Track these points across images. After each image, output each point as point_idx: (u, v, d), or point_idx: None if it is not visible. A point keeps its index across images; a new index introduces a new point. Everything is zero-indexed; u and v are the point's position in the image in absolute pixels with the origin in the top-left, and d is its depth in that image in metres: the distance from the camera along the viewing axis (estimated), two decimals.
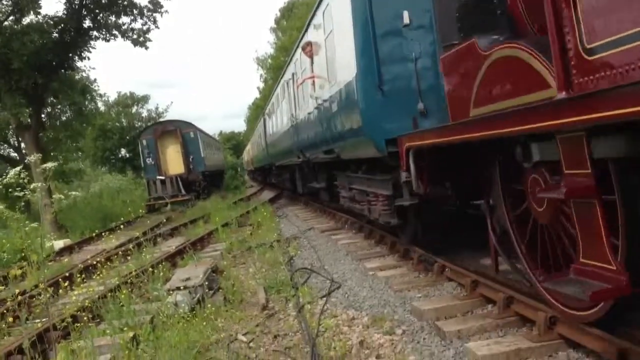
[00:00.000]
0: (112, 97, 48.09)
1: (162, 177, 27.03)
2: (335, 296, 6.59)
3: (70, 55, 20.55)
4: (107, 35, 20.84)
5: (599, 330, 3.62)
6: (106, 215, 20.65)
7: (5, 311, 6.58)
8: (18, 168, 8.20)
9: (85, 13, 19.99)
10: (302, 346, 5.07)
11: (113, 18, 20.70)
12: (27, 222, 8.61)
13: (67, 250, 14.08)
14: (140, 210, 15.30)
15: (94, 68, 45.41)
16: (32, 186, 6.11)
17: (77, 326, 5.25)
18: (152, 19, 21.06)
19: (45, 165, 5.92)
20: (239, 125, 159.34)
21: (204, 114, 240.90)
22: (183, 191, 26.61)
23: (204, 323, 5.64)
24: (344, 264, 8.23)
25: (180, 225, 15.95)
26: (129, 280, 7.43)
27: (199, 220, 16.28)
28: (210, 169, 32.42)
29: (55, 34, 19.46)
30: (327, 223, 13.40)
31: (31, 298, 6.06)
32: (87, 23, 20.35)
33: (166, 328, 5.60)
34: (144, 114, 49.52)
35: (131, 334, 5.44)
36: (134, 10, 20.64)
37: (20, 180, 7.57)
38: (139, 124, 46.49)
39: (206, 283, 6.88)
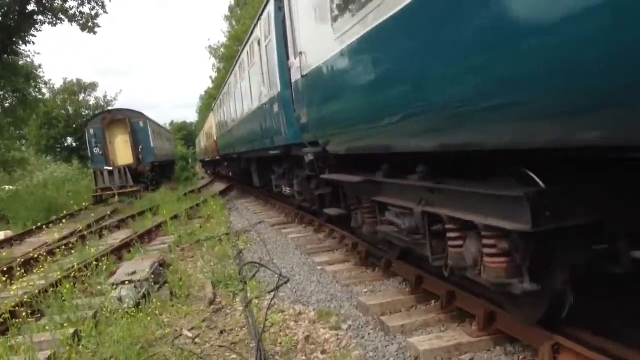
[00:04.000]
0: (58, 83, 46.74)
1: (110, 168, 26.41)
2: (283, 291, 6.61)
3: (14, 39, 19.84)
4: (54, 19, 20.24)
5: (535, 326, 3.75)
6: (51, 206, 20.04)
7: None
8: None
9: None
10: (248, 341, 5.07)
11: (59, 2, 20.10)
12: None
13: (8, 242, 13.62)
14: (85, 202, 14.91)
15: (39, 53, 43.90)
16: None
17: (16, 322, 5.09)
18: (100, 4, 20.56)
19: None
20: (190, 116, 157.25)
21: (154, 103, 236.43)
22: (131, 182, 26.08)
23: (149, 318, 5.56)
24: (293, 258, 8.25)
25: (127, 218, 15.62)
26: (72, 274, 7.24)
27: (148, 212, 16.00)
28: (161, 159, 31.87)
29: None
30: (278, 217, 13.39)
31: None
32: (31, 6, 19.70)
33: (110, 323, 5.51)
34: (92, 102, 48.38)
35: (72, 330, 5.32)
36: None
37: None
38: (86, 112, 45.37)
39: (152, 277, 6.78)
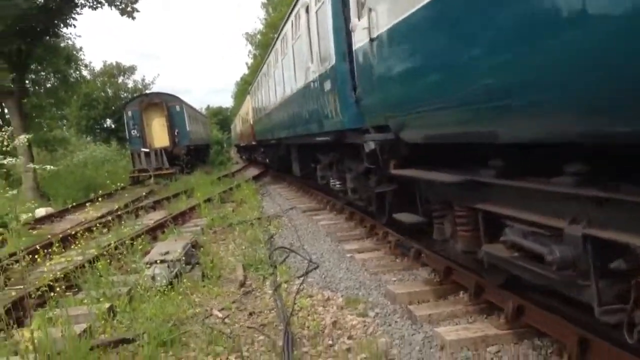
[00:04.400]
0: (98, 66, 47.58)
1: (147, 150, 26.89)
2: (312, 276, 6.69)
3: (56, 22, 20.24)
4: (94, 3, 20.56)
5: (563, 320, 3.74)
6: (89, 185, 20.53)
7: None
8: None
9: None
10: (276, 324, 5.15)
11: None
12: (7, 188, 8.59)
13: (48, 218, 14.03)
14: (122, 183, 15.24)
15: (79, 36, 44.83)
16: (14, 160, 6.08)
17: (53, 295, 5.28)
18: None
19: (20, 137, 5.91)
20: (226, 101, 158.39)
21: (191, 87, 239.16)
22: (167, 164, 26.51)
23: (180, 297, 5.70)
24: (323, 245, 8.32)
25: (162, 199, 15.93)
26: (108, 252, 7.44)
27: (182, 194, 16.27)
28: (196, 143, 32.29)
29: (40, 0, 19.15)
30: (309, 203, 13.48)
31: (9, 265, 6.07)
32: None
33: (143, 300, 5.66)
34: (130, 84, 49.14)
35: (108, 305, 5.50)
36: None
37: (3, 148, 7.54)
38: (125, 94, 46.09)
39: (184, 258, 6.93)
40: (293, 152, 15.31)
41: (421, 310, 4.92)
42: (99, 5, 20.60)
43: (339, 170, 9.67)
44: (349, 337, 4.66)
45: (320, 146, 10.75)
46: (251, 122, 27.69)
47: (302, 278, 6.57)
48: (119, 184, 12.02)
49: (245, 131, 32.42)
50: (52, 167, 8.40)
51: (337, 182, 9.82)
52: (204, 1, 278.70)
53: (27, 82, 22.95)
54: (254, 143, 28.23)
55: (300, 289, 6.13)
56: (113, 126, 45.40)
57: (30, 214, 12.72)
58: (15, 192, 11.11)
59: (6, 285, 5.63)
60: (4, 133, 7.66)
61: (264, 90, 20.11)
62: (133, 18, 21.07)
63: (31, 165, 5.89)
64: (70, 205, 13.66)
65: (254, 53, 60.81)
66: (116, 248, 7.52)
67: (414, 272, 6.28)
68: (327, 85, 8.28)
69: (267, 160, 25.86)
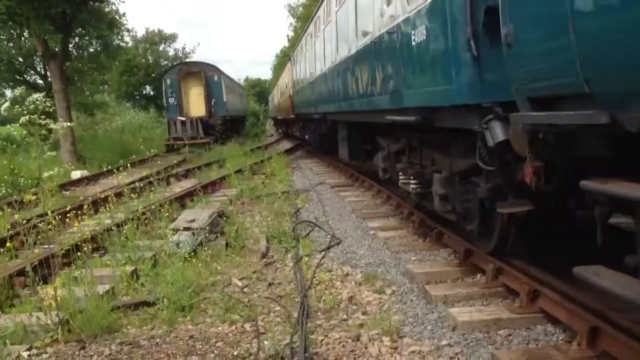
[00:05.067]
0: (140, 33, 48.02)
1: (183, 118, 27.21)
2: (333, 251, 6.73)
3: None
4: None
5: (574, 306, 3.72)
6: (125, 150, 20.96)
7: (14, 235, 6.85)
8: (39, 95, 8.36)
9: None
10: (294, 296, 5.23)
11: None
12: (45, 149, 8.82)
13: (83, 181, 14.39)
14: (153, 150, 15.51)
15: (123, 1, 45.34)
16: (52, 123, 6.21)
17: (80, 255, 5.45)
18: None
19: (57, 124, 6.07)
20: (265, 73, 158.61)
21: (231, 57, 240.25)
22: (202, 134, 26.80)
23: (200, 265, 5.81)
24: (348, 221, 8.35)
25: (194, 168, 16.16)
26: (135, 217, 7.61)
27: (214, 164, 16.46)
28: (232, 114, 32.50)
29: None
30: (339, 179, 13.49)
31: (39, 224, 6.28)
32: None
33: (166, 266, 5.80)
34: (171, 52, 49.47)
35: (132, 268, 5.65)
36: None
37: (45, 108, 7.74)
38: (165, 62, 46.48)
39: (209, 226, 7.04)
40: (341, 131, 12.01)
41: (437, 290, 4.93)
42: None
43: (416, 165, 7.05)
44: (364, 313, 4.70)
45: (384, 126, 8.02)
46: (290, 94, 24.92)
47: (323, 252, 6.63)
48: (152, 150, 12.21)
49: (284, 103, 30.02)
50: (68, 124, 8.54)
51: (413, 182, 6.88)
52: None
53: (70, 46, 23.33)
54: (292, 116, 25.76)
55: (321, 264, 6.19)
56: (152, 93, 45.93)
57: (58, 176, 13.02)
58: (53, 153, 11.40)
59: (35, 244, 5.81)
60: (43, 97, 7.87)
61: (308, 55, 16.82)
62: None
63: (56, 125, 5.96)
64: (105, 170, 13.96)
65: (295, 25, 60.62)
66: (143, 214, 7.68)
67: (434, 252, 6.26)
68: (420, 34, 5.32)
69: (306, 137, 23.06)
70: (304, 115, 19.94)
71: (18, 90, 27.31)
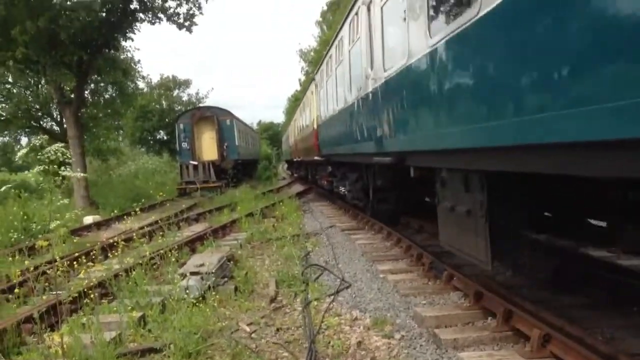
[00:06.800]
0: (155, 78, 48.95)
1: (195, 162, 27.47)
2: (343, 295, 6.67)
3: (116, 35, 21.01)
4: (153, 17, 21.25)
5: (586, 350, 3.64)
6: (138, 195, 21.09)
7: (23, 281, 6.87)
8: (59, 145, 8.51)
9: None
10: (302, 341, 5.17)
11: (160, 1, 21.09)
12: (59, 197, 8.93)
13: (95, 226, 14.47)
14: (162, 194, 15.60)
15: (138, 49, 46.48)
16: (67, 172, 6.33)
17: (87, 302, 5.44)
18: (197, 4, 21.38)
19: (75, 174, 6.20)
20: (278, 116, 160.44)
21: (244, 102, 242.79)
22: (214, 177, 27.00)
23: (207, 310, 5.78)
24: (358, 264, 8.30)
25: (206, 212, 16.20)
26: (145, 262, 7.62)
27: (225, 208, 16.49)
28: (244, 157, 32.77)
29: (102, 13, 19.92)
30: (349, 222, 13.45)
31: (48, 271, 6.31)
32: (134, 4, 20.78)
33: (174, 311, 5.76)
34: (185, 97, 50.25)
35: (140, 314, 5.63)
36: None
37: (61, 158, 7.90)
38: (179, 107, 47.16)
39: (219, 271, 7.03)
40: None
41: (447, 334, 4.85)
42: (157, 20, 21.29)
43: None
44: (372, 359, 4.63)
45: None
46: (315, 127, 18.37)
47: (332, 296, 6.57)
48: (161, 194, 12.29)
49: (303, 140, 24.20)
50: (82, 174, 8.75)
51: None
52: (261, 19, 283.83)
53: (85, 92, 23.85)
54: (317, 158, 18.33)
55: (330, 308, 6.13)
56: (165, 138, 46.48)
57: (69, 222, 13.11)
58: (66, 201, 11.53)
59: (44, 291, 5.82)
60: (61, 147, 8.05)
61: (340, 70, 12.19)
62: (190, 32, 21.67)
63: (68, 173, 6.11)
64: (116, 215, 14.05)
65: (306, 70, 61.67)
66: (152, 258, 7.69)
67: (444, 295, 6.19)
68: None
69: (343, 191, 14.67)
70: (338, 157, 13.88)
71: (34, 139, 27.82)
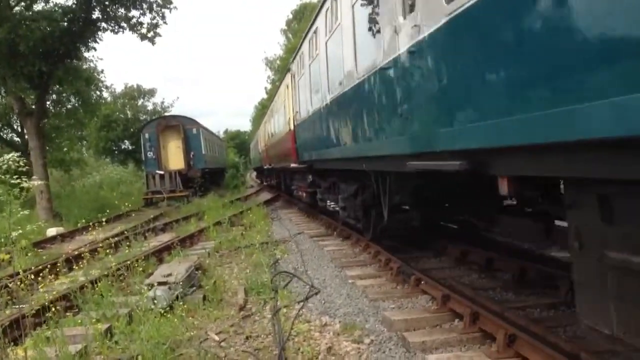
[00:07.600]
0: (119, 88, 48.36)
1: (162, 172, 27.18)
2: (312, 301, 6.68)
3: (78, 45, 20.68)
4: (116, 27, 20.98)
5: (551, 349, 3.72)
6: (103, 205, 20.73)
7: None
8: (15, 154, 8.32)
9: (95, 4, 20.11)
10: (272, 348, 5.16)
11: (123, 11, 20.84)
12: (19, 208, 8.71)
13: (59, 238, 14.18)
14: (128, 204, 15.37)
15: (101, 59, 45.95)
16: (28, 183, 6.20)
17: (52, 315, 5.33)
18: (160, 14, 21.17)
19: (31, 182, 6.08)
20: (245, 124, 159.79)
21: (210, 110, 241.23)
22: (181, 187, 26.74)
23: (176, 320, 5.72)
24: (327, 270, 8.32)
25: (173, 221, 16.03)
26: (111, 273, 7.51)
27: (193, 217, 16.36)
28: (211, 166, 32.54)
29: (63, 23, 19.60)
30: (318, 229, 13.47)
31: (10, 285, 6.16)
32: (96, 14, 20.50)
33: (142, 322, 5.69)
34: (150, 107, 49.75)
35: (106, 326, 5.54)
36: (144, 4, 20.75)
37: (19, 168, 7.70)
38: (144, 117, 46.65)
39: (186, 280, 6.97)
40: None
41: (416, 337, 4.90)
42: (120, 29, 21.03)
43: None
44: None
45: None
46: (291, 127, 15.45)
47: (302, 303, 6.57)
48: (127, 204, 12.12)
49: (274, 146, 21.59)
50: (44, 182, 8.57)
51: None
52: (227, 27, 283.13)
53: (47, 103, 23.39)
54: (294, 166, 15.31)
55: (299, 314, 6.13)
56: (131, 147, 45.91)
57: (31, 234, 12.81)
58: (26, 212, 11.25)
59: (7, 305, 5.69)
60: (16, 156, 7.86)
61: (335, 39, 8.72)
62: (153, 43, 21.45)
63: (28, 183, 5.98)
64: (80, 226, 13.80)
65: (272, 78, 61.71)
66: (119, 269, 7.58)
67: (413, 299, 6.25)
68: None
69: (333, 206, 13.05)
70: (322, 163, 11.23)
71: None
